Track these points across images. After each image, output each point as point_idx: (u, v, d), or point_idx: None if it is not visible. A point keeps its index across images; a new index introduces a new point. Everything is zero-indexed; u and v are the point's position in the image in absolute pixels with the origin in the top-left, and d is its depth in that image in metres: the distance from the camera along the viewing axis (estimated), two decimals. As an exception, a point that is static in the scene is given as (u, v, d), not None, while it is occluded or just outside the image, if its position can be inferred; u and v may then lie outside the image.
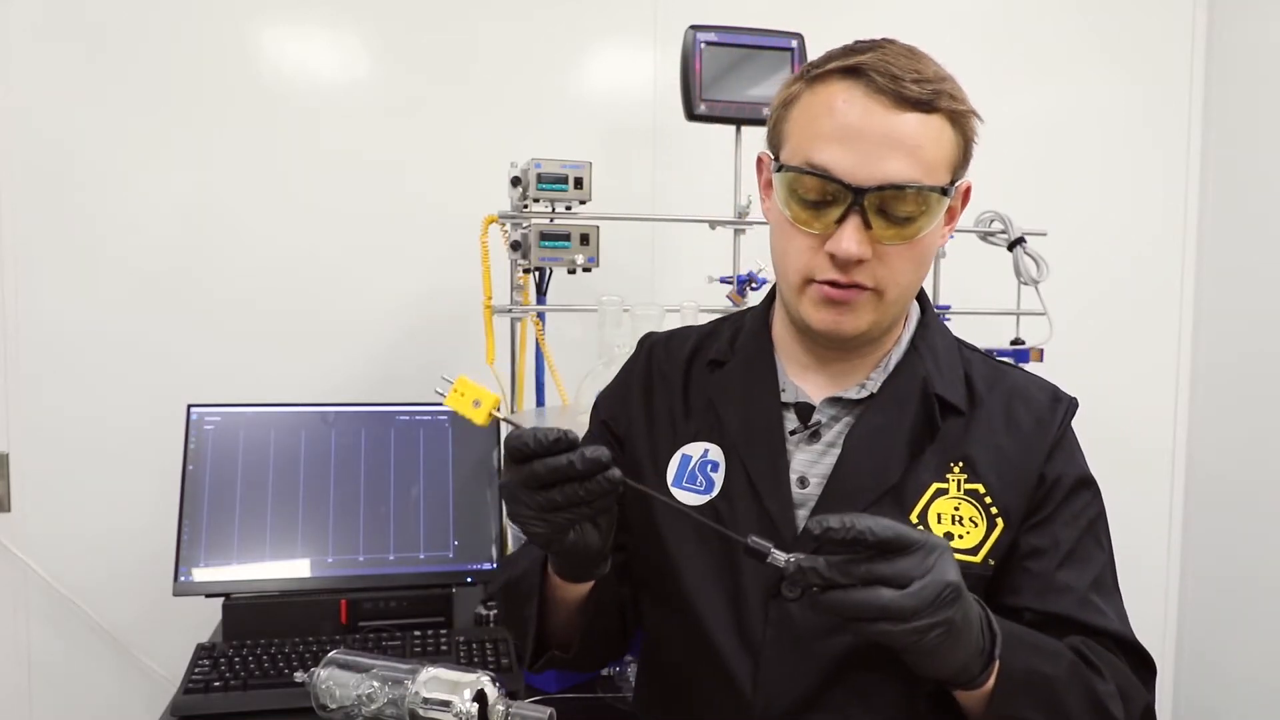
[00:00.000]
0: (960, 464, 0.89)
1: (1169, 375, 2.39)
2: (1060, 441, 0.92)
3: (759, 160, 0.92)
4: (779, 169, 0.85)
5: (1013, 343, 1.92)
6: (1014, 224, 1.87)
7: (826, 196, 0.82)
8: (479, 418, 0.83)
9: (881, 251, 0.83)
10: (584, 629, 0.94)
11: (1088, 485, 0.92)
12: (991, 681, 0.77)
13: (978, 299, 1.92)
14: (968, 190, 0.91)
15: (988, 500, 0.88)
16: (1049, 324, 1.87)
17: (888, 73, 0.80)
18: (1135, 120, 2.32)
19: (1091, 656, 0.84)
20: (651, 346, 1.06)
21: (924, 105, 0.80)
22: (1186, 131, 2.34)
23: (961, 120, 0.84)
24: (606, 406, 1.06)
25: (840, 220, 0.81)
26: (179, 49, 1.88)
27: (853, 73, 0.81)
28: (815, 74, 0.84)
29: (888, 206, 0.81)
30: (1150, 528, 2.37)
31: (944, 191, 0.83)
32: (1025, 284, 1.87)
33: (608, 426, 1.04)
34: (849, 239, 0.81)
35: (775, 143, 0.89)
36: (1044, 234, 1.87)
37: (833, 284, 0.84)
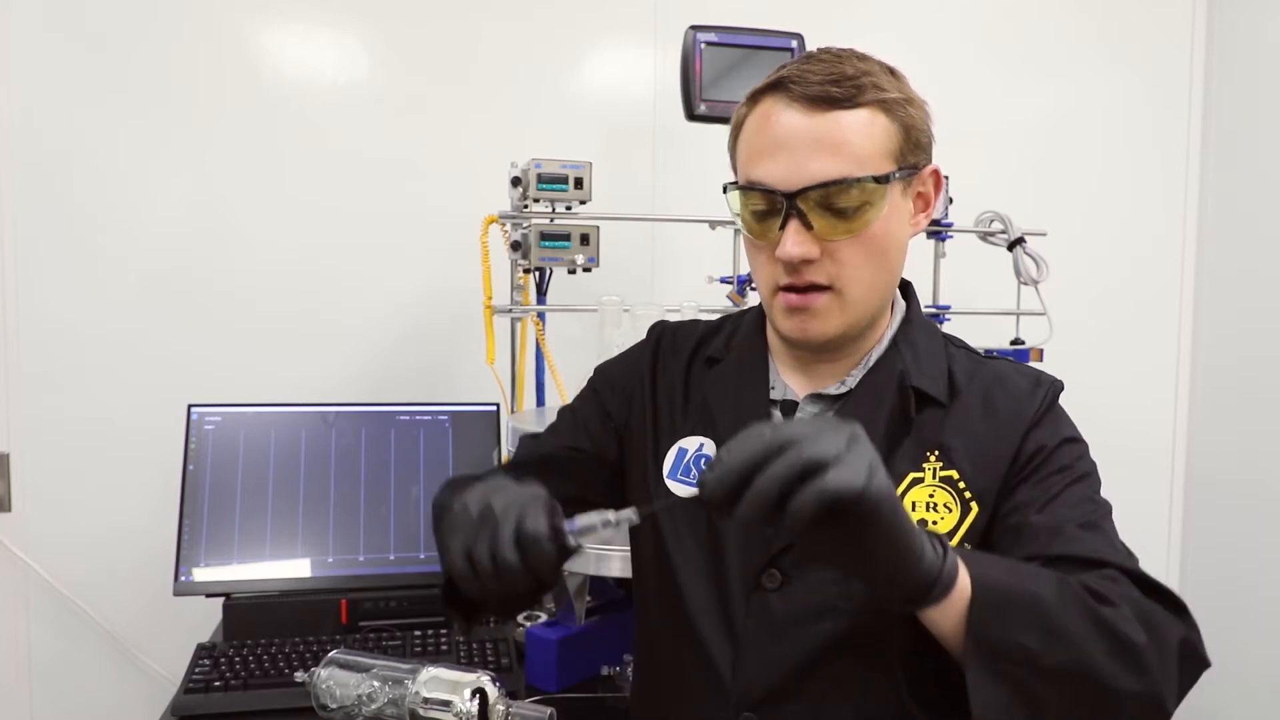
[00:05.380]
0: (936, 452, 0.90)
1: (1169, 375, 2.39)
2: (1041, 420, 0.91)
3: None
4: (725, 191, 0.91)
5: (1013, 343, 1.92)
6: (1014, 224, 1.87)
7: (767, 207, 0.86)
8: None
9: (832, 249, 0.85)
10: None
11: (1074, 441, 0.91)
12: (964, 598, 0.72)
13: (978, 299, 1.92)
14: (936, 175, 0.92)
15: (961, 485, 0.89)
16: (1049, 324, 1.87)
17: (805, 79, 0.84)
18: (1135, 120, 2.32)
19: (1094, 585, 0.77)
20: (660, 336, 1.08)
21: (845, 102, 0.83)
22: (1186, 131, 2.35)
23: (895, 107, 0.85)
24: (604, 382, 1.08)
25: (783, 226, 0.85)
26: (179, 49, 1.88)
27: (778, 86, 0.86)
28: (752, 94, 0.89)
29: (826, 204, 0.83)
30: (1150, 528, 2.37)
31: (882, 179, 0.84)
32: (1025, 284, 1.87)
33: (599, 397, 1.07)
34: (790, 242, 0.84)
35: (733, 167, 0.94)
36: (1044, 234, 1.87)
37: (791, 289, 0.88)
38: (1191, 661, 0.77)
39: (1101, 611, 0.73)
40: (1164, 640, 0.75)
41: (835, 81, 0.83)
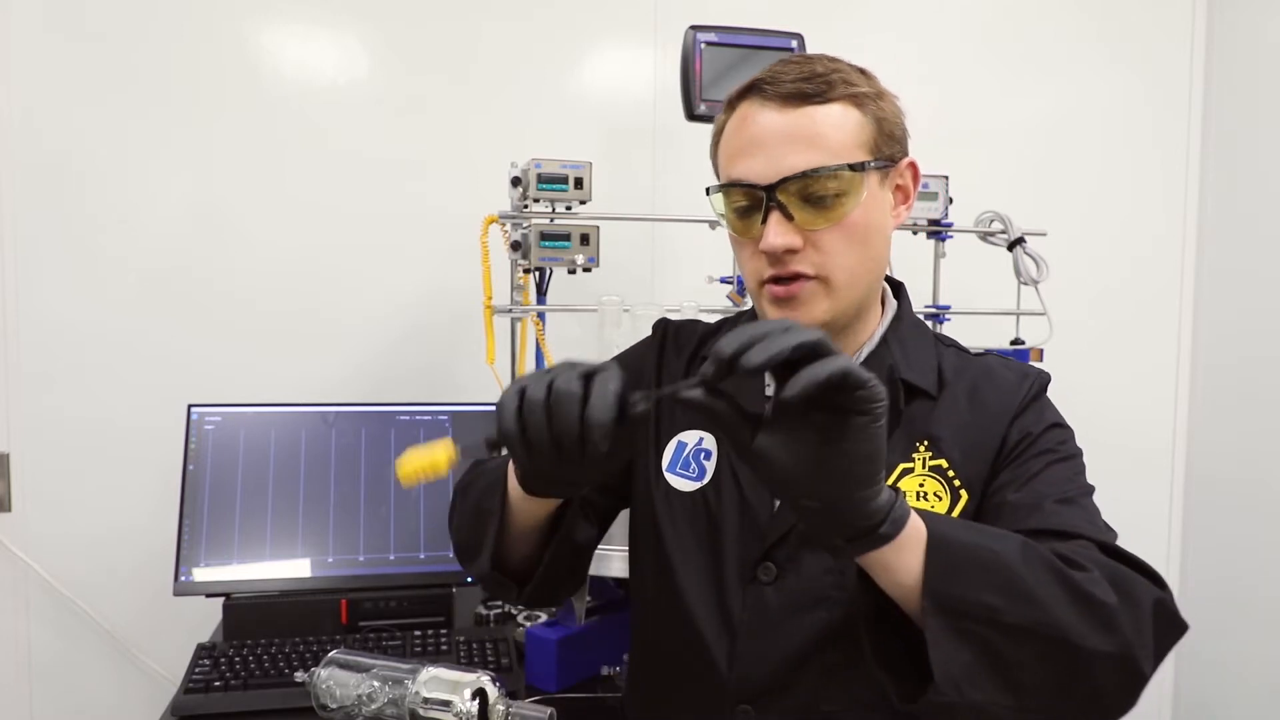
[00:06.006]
0: (925, 443, 0.92)
1: (1169, 375, 2.39)
2: (1027, 408, 0.93)
3: None
4: (708, 192, 0.93)
5: (1013, 343, 1.92)
6: (1014, 224, 1.87)
7: (748, 203, 0.88)
8: (442, 468, 0.75)
9: (815, 239, 0.87)
10: (546, 553, 0.91)
11: (1059, 427, 0.93)
12: (918, 548, 0.70)
13: (978, 299, 1.92)
14: (914, 167, 0.94)
15: (950, 474, 0.90)
16: (1049, 324, 1.87)
17: (778, 80, 0.87)
18: (1135, 120, 2.32)
19: (1064, 552, 0.76)
20: (664, 332, 1.09)
21: (816, 97, 0.86)
22: (1186, 131, 2.34)
23: (866, 102, 0.88)
24: None
25: (764, 220, 0.87)
26: (179, 49, 1.88)
27: (752, 89, 0.89)
28: (728, 100, 0.92)
29: (805, 194, 0.86)
30: (1150, 528, 2.37)
31: (857, 167, 0.86)
32: (1025, 284, 1.87)
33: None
34: (772, 233, 0.86)
35: (716, 173, 0.96)
36: (1044, 234, 1.87)
37: (776, 280, 0.89)
38: (1167, 622, 0.76)
39: (1068, 572, 0.73)
40: (1137, 602, 0.74)
41: (807, 79, 0.86)
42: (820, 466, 0.64)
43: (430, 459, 0.72)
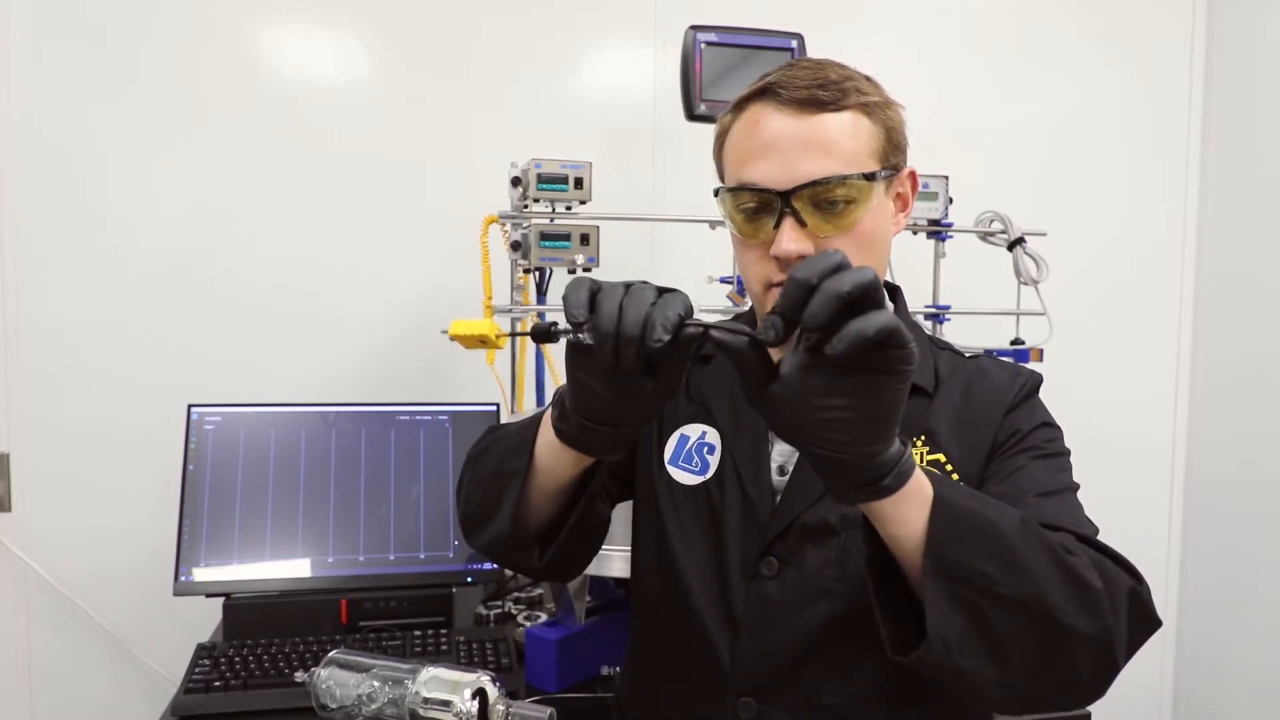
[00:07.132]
0: (922, 438, 0.93)
1: (1169, 375, 2.39)
2: (1018, 405, 0.95)
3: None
4: (717, 193, 0.93)
5: (1013, 343, 1.92)
6: (1014, 224, 1.87)
7: (759, 207, 0.88)
8: (491, 337, 0.72)
9: (825, 245, 0.87)
10: (569, 520, 0.90)
11: (1049, 426, 0.96)
12: (923, 505, 0.72)
13: (978, 299, 1.92)
14: (913, 176, 0.95)
15: (949, 468, 0.92)
16: (1049, 324, 1.87)
17: (791, 84, 0.87)
18: (1135, 120, 2.32)
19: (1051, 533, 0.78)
20: None
21: (832, 105, 0.87)
22: (1186, 131, 2.35)
23: (876, 111, 0.89)
24: None
25: (777, 225, 0.86)
26: (179, 49, 1.88)
27: (765, 93, 0.89)
28: (738, 102, 0.92)
29: (818, 202, 0.86)
30: (1150, 528, 2.37)
31: (869, 177, 0.86)
32: (1025, 284, 1.87)
33: None
34: (786, 239, 0.86)
35: (720, 174, 0.96)
36: (1044, 234, 1.87)
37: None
38: (1141, 612, 0.77)
39: (1061, 553, 0.74)
40: (1116, 589, 0.76)
41: (821, 86, 0.87)
42: (837, 420, 0.64)
43: (478, 329, 0.72)
